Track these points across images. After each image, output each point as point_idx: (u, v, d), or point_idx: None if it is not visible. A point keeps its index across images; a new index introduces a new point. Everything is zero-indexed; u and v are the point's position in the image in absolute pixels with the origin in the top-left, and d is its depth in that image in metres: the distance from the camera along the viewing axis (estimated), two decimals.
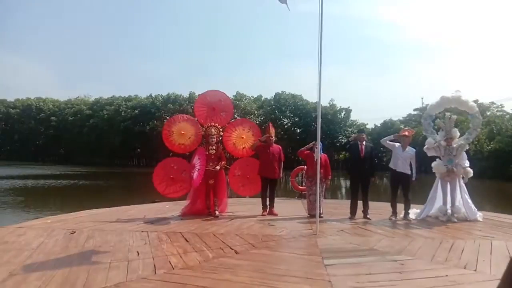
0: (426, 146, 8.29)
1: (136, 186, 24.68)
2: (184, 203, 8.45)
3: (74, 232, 6.27)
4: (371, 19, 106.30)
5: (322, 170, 7.64)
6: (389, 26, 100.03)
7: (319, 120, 6.77)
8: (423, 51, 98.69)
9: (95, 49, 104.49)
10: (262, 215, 8.18)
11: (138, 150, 66.13)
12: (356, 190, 8.15)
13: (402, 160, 7.96)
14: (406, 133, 8.18)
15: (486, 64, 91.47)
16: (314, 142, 8.10)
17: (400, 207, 8.05)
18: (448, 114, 8.45)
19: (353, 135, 8.89)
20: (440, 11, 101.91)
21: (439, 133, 8.37)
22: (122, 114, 65.77)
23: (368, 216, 7.93)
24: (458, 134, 8.28)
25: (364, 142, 8.10)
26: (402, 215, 7.99)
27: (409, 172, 7.93)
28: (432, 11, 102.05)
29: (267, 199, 8.42)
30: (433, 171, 8.19)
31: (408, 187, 8.00)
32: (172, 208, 8.93)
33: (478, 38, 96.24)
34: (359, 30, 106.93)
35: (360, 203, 8.06)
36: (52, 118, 75.14)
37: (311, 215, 7.82)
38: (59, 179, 29.54)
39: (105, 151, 67.23)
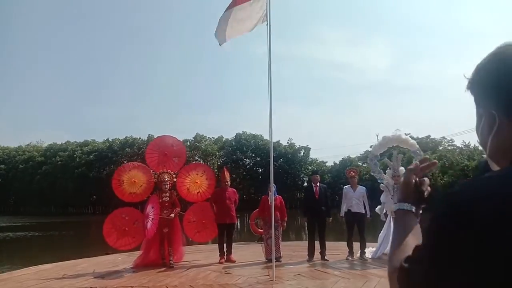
0: (377, 208, 8.49)
1: (90, 236, 23.40)
2: (138, 254, 8.12)
3: None
4: (327, 60, 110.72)
5: (277, 212, 7.64)
6: (345, 67, 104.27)
7: (272, 163, 6.85)
8: (377, 89, 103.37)
9: (49, 94, 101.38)
10: (220, 262, 7.99)
11: (94, 197, 63.43)
12: (312, 231, 8.21)
13: (356, 199, 8.16)
14: (352, 173, 8.54)
15: (437, 101, 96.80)
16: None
17: (356, 246, 8.15)
18: (395, 152, 8.81)
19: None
20: (390, 52, 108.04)
21: (387, 171, 8.68)
22: (77, 160, 63.47)
23: (325, 257, 7.94)
24: None
25: (318, 184, 8.26)
26: (358, 255, 8.07)
27: (363, 211, 8.13)
28: (383, 52, 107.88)
29: (225, 245, 8.26)
30: (385, 209, 8.40)
31: (364, 226, 8.16)
32: (125, 260, 8.52)
33: (428, 76, 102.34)
34: (316, 70, 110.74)
35: (318, 244, 8.10)
36: (1, 166, 71.23)
37: (269, 260, 7.70)
38: (6, 231, 27.58)
39: (58, 199, 64.04)
